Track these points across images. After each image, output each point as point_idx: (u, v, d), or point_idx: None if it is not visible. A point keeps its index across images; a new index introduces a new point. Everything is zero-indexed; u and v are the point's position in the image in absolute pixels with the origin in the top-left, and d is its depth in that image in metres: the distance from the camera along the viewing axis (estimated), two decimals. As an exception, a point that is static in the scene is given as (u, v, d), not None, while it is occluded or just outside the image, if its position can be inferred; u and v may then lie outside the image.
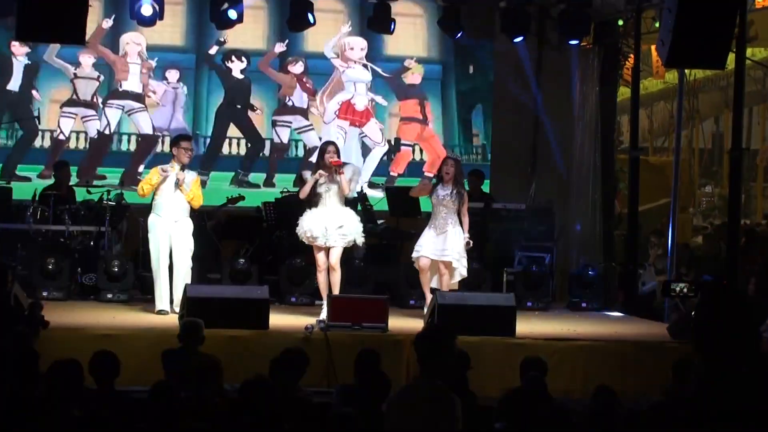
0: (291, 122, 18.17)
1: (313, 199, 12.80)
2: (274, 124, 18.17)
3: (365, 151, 18.28)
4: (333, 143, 13.10)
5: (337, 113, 18.18)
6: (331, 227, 12.74)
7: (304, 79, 18.17)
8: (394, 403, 6.57)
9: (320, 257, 12.85)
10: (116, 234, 15.31)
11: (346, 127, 18.20)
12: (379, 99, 18.23)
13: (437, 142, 18.36)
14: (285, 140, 18.16)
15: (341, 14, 18.17)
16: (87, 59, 17.63)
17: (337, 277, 12.86)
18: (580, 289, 15.68)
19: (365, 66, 18.17)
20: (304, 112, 18.22)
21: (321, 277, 12.92)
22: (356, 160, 17.59)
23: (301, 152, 18.22)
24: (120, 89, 17.89)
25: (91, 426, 7.00)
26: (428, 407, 6.31)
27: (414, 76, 18.24)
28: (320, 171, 12.66)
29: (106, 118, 17.78)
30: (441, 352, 6.41)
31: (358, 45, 18.15)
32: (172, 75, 18.11)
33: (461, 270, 13.17)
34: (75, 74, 17.67)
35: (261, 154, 18.19)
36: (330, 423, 6.93)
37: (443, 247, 13.14)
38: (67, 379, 7.81)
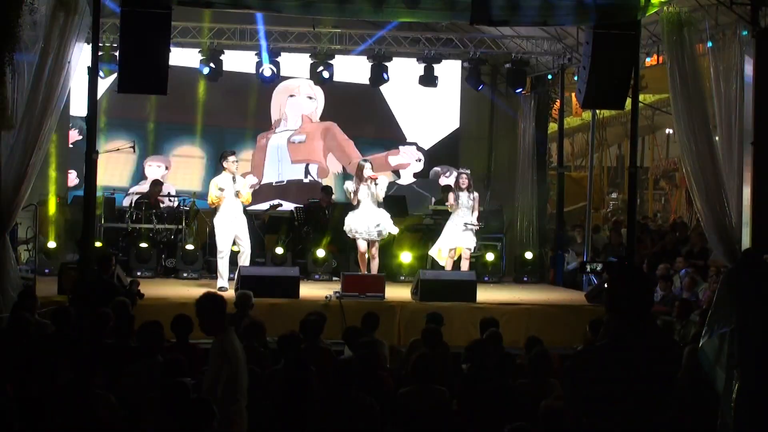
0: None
1: (355, 203, 12.74)
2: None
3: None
4: (369, 161, 12.97)
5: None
6: (371, 225, 12.64)
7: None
8: None
9: (362, 244, 12.76)
10: (190, 230, 15.26)
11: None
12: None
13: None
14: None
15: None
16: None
17: (376, 264, 12.80)
18: (523, 268, 15.65)
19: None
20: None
21: (360, 258, 12.86)
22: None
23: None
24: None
25: (170, 368, 6.92)
26: None
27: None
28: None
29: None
30: None
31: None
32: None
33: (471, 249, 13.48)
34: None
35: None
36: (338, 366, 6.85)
37: (468, 238, 13.23)
38: (152, 333, 7.73)
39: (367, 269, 12.78)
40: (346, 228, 12.82)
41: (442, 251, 13.40)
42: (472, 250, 13.53)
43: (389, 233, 12.97)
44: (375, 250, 12.73)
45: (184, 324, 8.34)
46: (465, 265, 13.31)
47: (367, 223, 12.64)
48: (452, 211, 13.37)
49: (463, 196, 13.28)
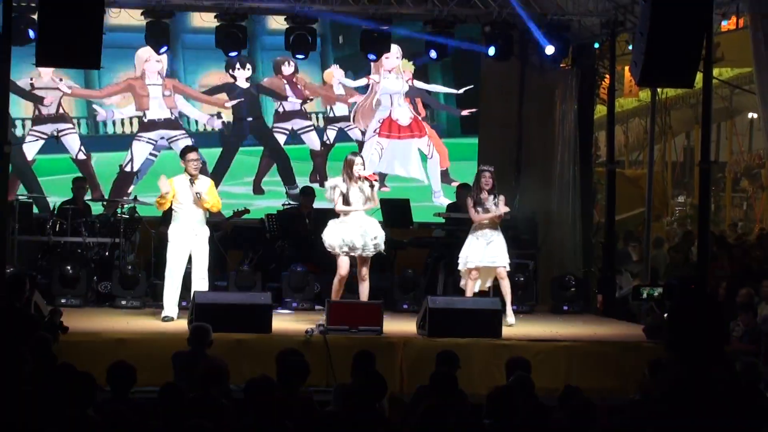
0: (288, 128, 17.71)
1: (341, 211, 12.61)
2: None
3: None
4: (360, 155, 12.85)
5: (377, 131, 17.81)
6: (368, 238, 12.54)
7: (295, 80, 17.68)
8: None
9: (344, 265, 12.60)
10: (129, 245, 15.30)
11: (384, 144, 17.86)
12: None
13: (434, 133, 18.13)
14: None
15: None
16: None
17: (366, 287, 12.67)
18: (562, 293, 15.66)
19: (397, 76, 17.80)
20: (301, 114, 17.74)
21: (338, 283, 12.70)
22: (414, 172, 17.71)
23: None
24: (146, 120, 17.15)
25: (104, 426, 6.94)
26: None
27: (405, 73, 17.92)
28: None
29: (131, 153, 17.12)
30: None
31: (393, 53, 17.40)
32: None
33: (507, 268, 13.32)
34: (32, 84, 16.88)
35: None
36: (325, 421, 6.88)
37: (494, 254, 13.21)
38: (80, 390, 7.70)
39: (354, 295, 12.78)
40: (330, 241, 12.59)
41: (462, 271, 13.37)
42: (508, 267, 13.36)
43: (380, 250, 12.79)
44: (366, 271, 12.70)
45: (124, 374, 8.33)
46: (506, 288, 13.29)
47: (362, 235, 12.53)
48: (475, 220, 13.35)
49: (486, 200, 13.30)
